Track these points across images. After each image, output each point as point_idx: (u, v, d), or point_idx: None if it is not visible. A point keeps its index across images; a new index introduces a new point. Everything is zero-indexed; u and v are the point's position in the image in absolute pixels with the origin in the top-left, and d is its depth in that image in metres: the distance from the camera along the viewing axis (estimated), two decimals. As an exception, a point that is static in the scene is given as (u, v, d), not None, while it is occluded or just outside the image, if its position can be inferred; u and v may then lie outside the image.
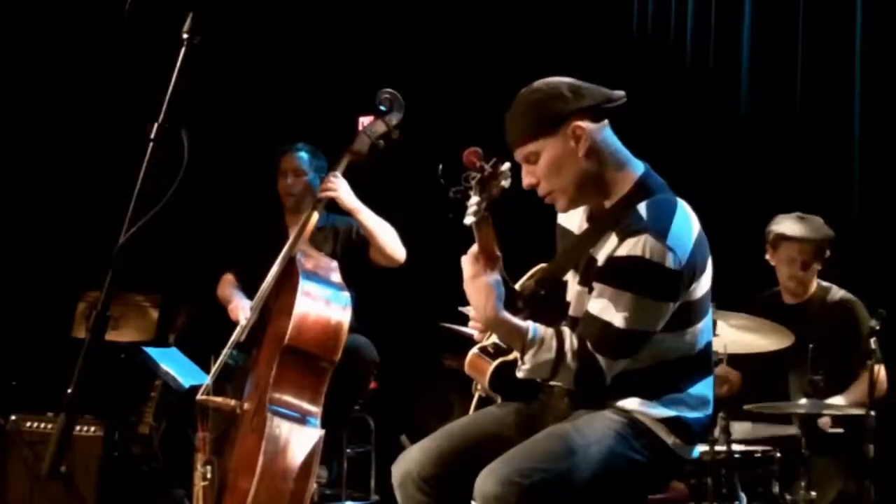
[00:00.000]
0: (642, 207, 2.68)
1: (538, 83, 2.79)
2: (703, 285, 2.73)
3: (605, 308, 2.62)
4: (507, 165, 2.64)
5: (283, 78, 6.10)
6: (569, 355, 2.62)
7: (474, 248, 2.66)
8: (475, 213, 2.61)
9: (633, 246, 2.61)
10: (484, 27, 6.04)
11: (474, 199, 2.61)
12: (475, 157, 2.63)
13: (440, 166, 2.68)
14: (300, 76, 6.10)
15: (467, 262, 2.67)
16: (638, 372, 2.68)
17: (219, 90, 5.55)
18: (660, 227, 2.62)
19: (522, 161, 2.76)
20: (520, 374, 2.70)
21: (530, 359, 2.64)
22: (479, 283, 2.65)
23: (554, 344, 2.63)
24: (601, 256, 2.70)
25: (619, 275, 2.63)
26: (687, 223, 2.69)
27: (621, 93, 2.79)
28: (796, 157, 5.25)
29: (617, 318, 2.61)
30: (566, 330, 2.68)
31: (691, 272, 2.66)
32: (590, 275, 2.72)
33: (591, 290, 2.69)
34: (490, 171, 2.61)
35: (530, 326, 2.66)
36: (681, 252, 2.62)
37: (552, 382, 2.74)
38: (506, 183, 2.63)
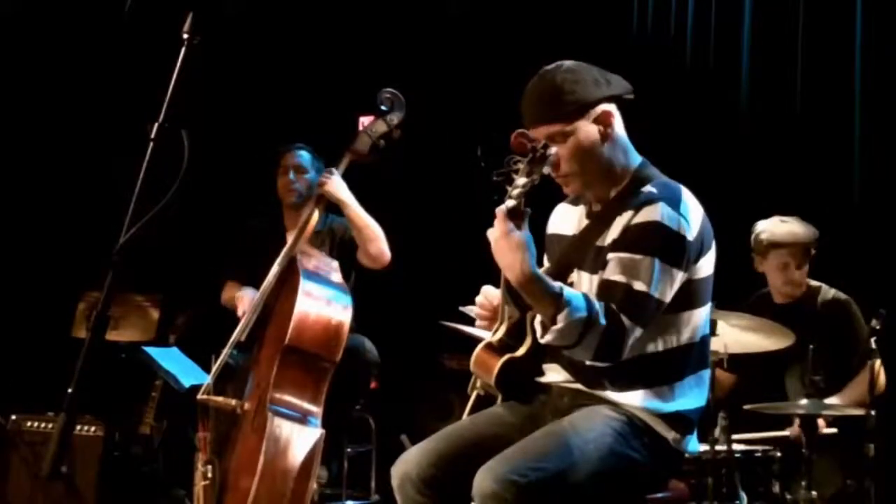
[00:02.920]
0: (649, 187, 2.73)
1: (566, 64, 2.78)
2: (707, 266, 2.75)
3: (623, 273, 2.63)
4: (553, 150, 2.63)
5: (284, 78, 6.10)
6: (600, 314, 2.59)
7: (503, 207, 2.59)
8: (518, 196, 2.57)
9: (650, 212, 2.65)
10: (484, 27, 6.04)
11: (521, 181, 2.57)
12: (525, 138, 2.61)
13: (478, 149, 2.65)
14: (300, 76, 6.10)
15: (498, 220, 2.58)
16: (642, 360, 2.68)
17: (219, 90, 5.55)
18: (673, 197, 2.69)
19: (545, 140, 2.72)
20: (546, 339, 2.62)
21: (564, 317, 2.56)
22: (512, 239, 2.56)
23: (585, 304, 2.59)
24: (611, 238, 2.71)
25: (636, 241, 2.65)
26: (693, 201, 2.74)
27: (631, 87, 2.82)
28: (796, 156, 5.25)
29: (636, 282, 2.62)
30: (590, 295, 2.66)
31: (699, 244, 2.70)
32: (600, 261, 2.72)
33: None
34: (541, 152, 2.58)
35: (563, 287, 2.62)
36: (693, 221, 2.68)
37: (570, 353, 2.68)
38: (548, 169, 2.61)
